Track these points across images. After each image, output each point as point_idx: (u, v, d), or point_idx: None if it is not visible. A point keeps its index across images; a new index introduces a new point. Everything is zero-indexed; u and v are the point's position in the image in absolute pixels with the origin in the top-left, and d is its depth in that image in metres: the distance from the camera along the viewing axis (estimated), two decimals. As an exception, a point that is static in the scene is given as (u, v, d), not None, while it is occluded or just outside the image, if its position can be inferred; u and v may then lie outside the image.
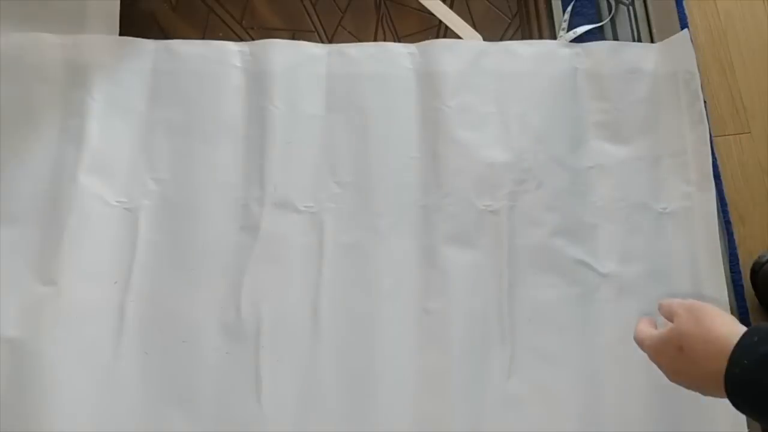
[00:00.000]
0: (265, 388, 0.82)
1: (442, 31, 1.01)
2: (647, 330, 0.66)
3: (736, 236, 0.94)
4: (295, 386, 0.82)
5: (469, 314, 0.86)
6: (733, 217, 0.96)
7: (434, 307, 0.86)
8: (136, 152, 0.90)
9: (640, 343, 0.67)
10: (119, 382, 0.81)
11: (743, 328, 0.57)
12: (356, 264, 0.87)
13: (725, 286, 0.87)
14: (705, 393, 0.59)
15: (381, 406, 0.82)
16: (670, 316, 0.64)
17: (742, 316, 0.89)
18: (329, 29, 1.00)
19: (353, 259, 0.87)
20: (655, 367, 0.83)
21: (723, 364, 0.56)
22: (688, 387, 0.61)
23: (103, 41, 0.94)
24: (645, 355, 0.83)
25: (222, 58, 0.94)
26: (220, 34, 0.99)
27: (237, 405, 0.81)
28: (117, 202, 0.87)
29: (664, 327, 0.64)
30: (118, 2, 0.97)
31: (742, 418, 0.81)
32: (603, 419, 0.82)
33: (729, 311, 0.85)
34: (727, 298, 0.86)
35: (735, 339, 0.56)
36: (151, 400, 0.81)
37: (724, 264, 0.89)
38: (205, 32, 0.99)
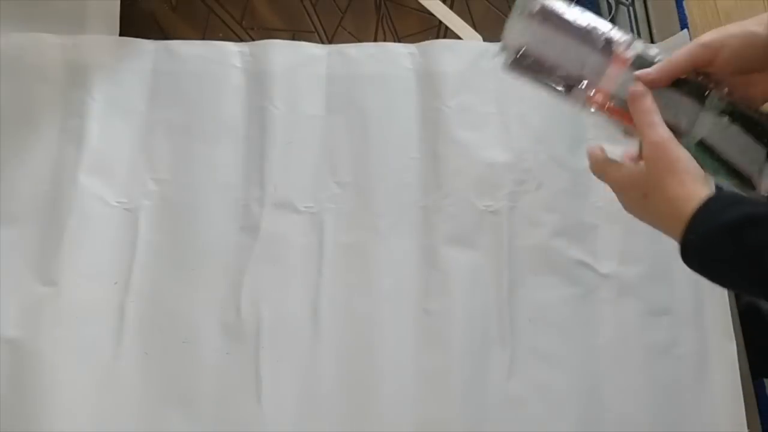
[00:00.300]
0: (265, 388, 0.81)
1: (442, 31, 1.01)
2: (607, 162, 0.66)
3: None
4: (295, 386, 0.82)
5: (469, 315, 0.86)
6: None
7: (434, 308, 0.85)
8: (136, 152, 0.89)
9: (600, 172, 0.66)
10: (119, 383, 0.81)
11: (707, 192, 0.57)
12: (356, 264, 0.87)
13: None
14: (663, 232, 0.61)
15: (381, 406, 0.82)
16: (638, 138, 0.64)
17: (743, 316, 0.89)
18: (329, 30, 1.00)
19: (353, 260, 0.87)
20: (654, 366, 0.84)
21: (681, 227, 0.57)
22: (645, 222, 0.63)
23: (103, 41, 0.93)
24: (645, 355, 0.85)
25: (222, 59, 0.94)
26: (221, 35, 0.98)
27: (237, 405, 0.81)
28: (117, 202, 0.87)
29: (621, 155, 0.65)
30: (118, 3, 0.97)
31: (742, 419, 0.81)
32: (603, 419, 0.82)
33: (729, 311, 0.85)
34: (726, 299, 0.86)
35: (696, 204, 0.56)
36: (151, 400, 0.80)
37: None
38: (205, 33, 0.99)
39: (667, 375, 0.84)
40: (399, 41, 0.99)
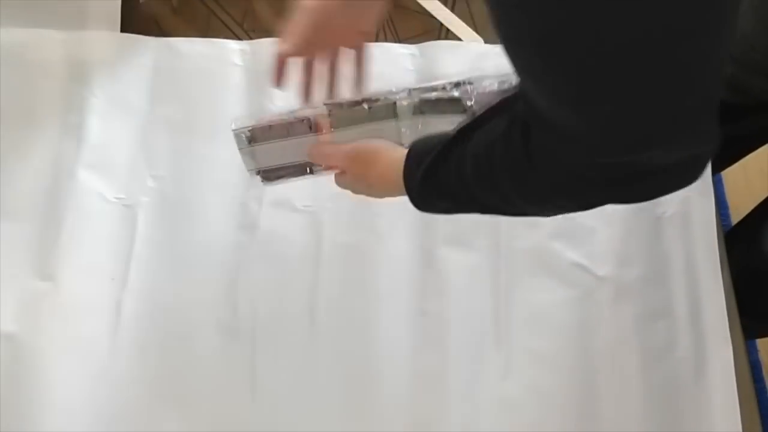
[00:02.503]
0: (260, 386, 0.81)
1: (443, 33, 1.01)
2: (341, 179, 0.77)
3: (736, 239, 0.94)
4: (290, 385, 0.82)
5: (465, 316, 0.85)
6: (735, 220, 0.95)
7: (431, 308, 0.85)
8: (135, 149, 0.90)
9: (342, 187, 0.78)
10: (115, 378, 0.80)
11: (403, 154, 0.68)
12: (354, 264, 0.87)
13: (723, 292, 0.86)
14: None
15: (376, 406, 0.81)
16: (339, 167, 0.76)
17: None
18: (331, 32, 1.00)
19: (351, 259, 0.87)
20: (651, 370, 0.84)
21: (403, 190, 0.68)
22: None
23: (104, 38, 0.94)
24: (642, 358, 0.84)
25: (222, 56, 0.94)
26: (222, 37, 0.98)
27: (232, 403, 0.81)
28: (116, 198, 0.87)
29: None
30: (119, 3, 0.97)
31: (737, 422, 0.81)
32: (599, 421, 0.82)
33: (726, 314, 0.85)
34: (724, 303, 0.86)
35: (400, 168, 0.67)
36: (147, 396, 0.80)
37: (723, 268, 0.88)
38: (207, 35, 0.99)
39: (664, 378, 0.83)
40: (400, 43, 0.99)
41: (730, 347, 0.84)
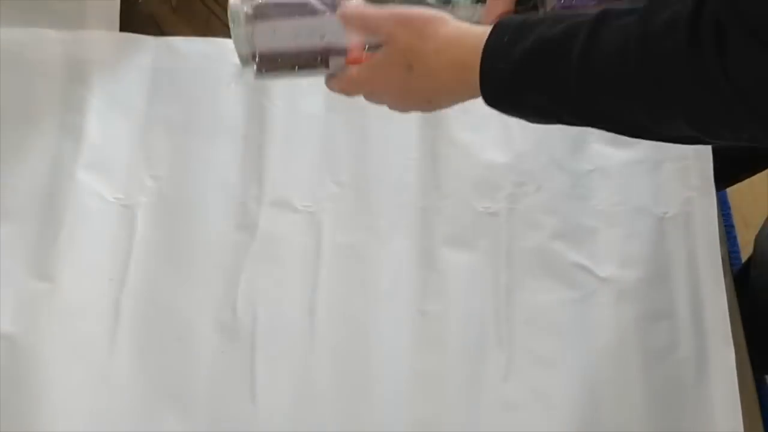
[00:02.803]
0: (259, 387, 0.81)
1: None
2: (359, 74, 0.61)
3: (739, 240, 0.93)
4: (290, 386, 0.81)
5: (466, 316, 0.85)
6: (737, 221, 0.95)
7: (431, 309, 0.85)
8: (134, 149, 0.90)
9: (355, 86, 0.62)
10: (113, 379, 0.80)
11: (480, 29, 0.52)
12: (354, 264, 0.87)
13: (724, 292, 0.86)
14: (446, 105, 0.57)
15: (376, 407, 0.81)
16: (377, 36, 0.59)
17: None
18: (331, 31, 1.00)
19: (351, 260, 0.87)
20: (652, 371, 0.83)
21: (469, 74, 0.52)
22: (423, 108, 0.59)
23: (103, 37, 0.94)
24: (643, 359, 0.84)
25: (222, 56, 0.94)
26: (222, 37, 0.98)
27: (231, 404, 0.80)
28: (114, 198, 0.87)
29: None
30: (118, 3, 0.97)
31: (739, 424, 0.80)
32: (600, 423, 0.82)
33: (728, 316, 0.85)
34: (726, 304, 0.85)
35: (475, 42, 0.52)
36: (145, 397, 0.80)
37: (725, 268, 0.88)
38: (206, 35, 0.98)
39: (665, 379, 0.83)
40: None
41: (732, 348, 0.83)
